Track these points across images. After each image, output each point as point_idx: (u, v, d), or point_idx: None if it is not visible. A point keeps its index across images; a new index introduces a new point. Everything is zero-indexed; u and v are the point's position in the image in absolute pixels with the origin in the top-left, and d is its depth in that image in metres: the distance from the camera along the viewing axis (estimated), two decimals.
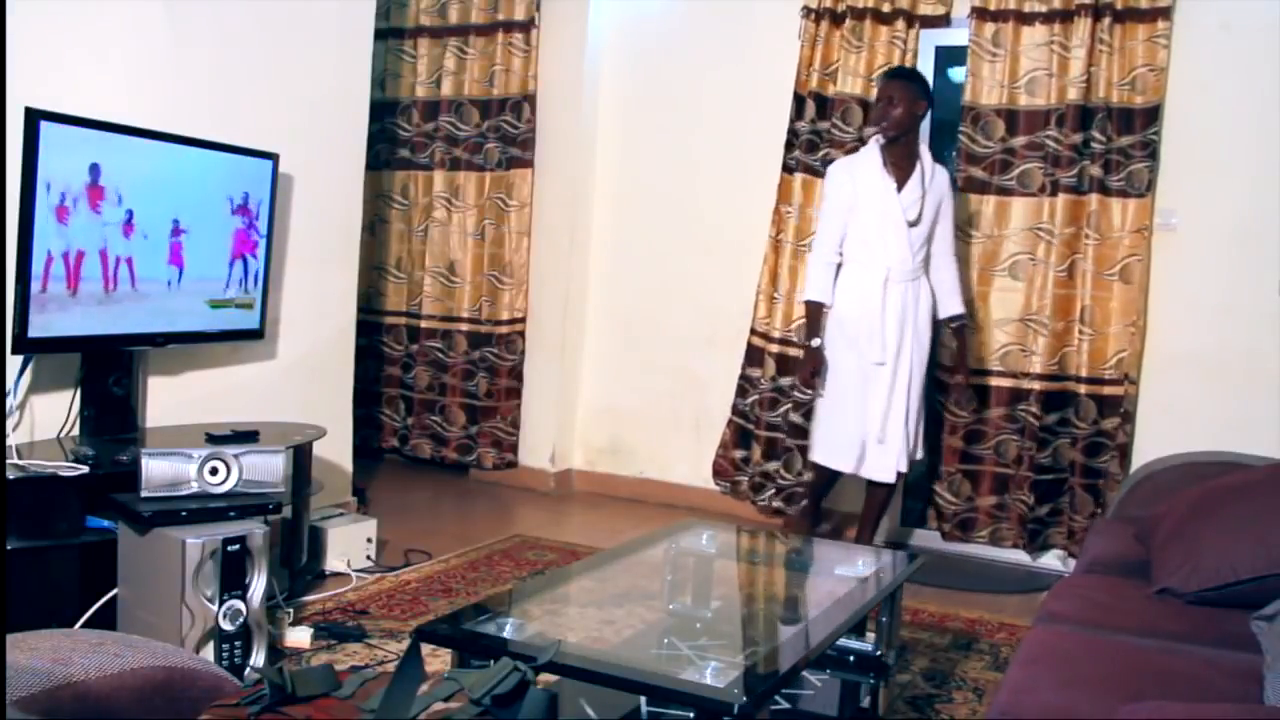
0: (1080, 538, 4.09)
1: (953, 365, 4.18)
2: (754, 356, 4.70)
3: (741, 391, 4.74)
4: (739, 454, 4.76)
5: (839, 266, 3.94)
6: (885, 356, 3.86)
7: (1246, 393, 4.01)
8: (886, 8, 4.42)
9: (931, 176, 3.91)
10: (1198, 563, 2.41)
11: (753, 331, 4.70)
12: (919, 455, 4.04)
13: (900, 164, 3.88)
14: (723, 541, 2.95)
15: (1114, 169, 4.09)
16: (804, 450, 4.48)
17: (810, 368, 3.91)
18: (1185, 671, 1.95)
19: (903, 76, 3.94)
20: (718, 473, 4.82)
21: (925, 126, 4.54)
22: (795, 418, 4.55)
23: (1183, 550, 2.47)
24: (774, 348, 4.64)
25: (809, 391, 4.05)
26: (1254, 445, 3.84)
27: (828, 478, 4.14)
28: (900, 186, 3.86)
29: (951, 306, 4.04)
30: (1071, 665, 1.98)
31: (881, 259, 3.88)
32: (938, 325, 4.09)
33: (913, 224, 3.87)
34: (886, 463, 3.93)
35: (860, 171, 3.90)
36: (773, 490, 4.65)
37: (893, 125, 3.83)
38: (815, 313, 3.95)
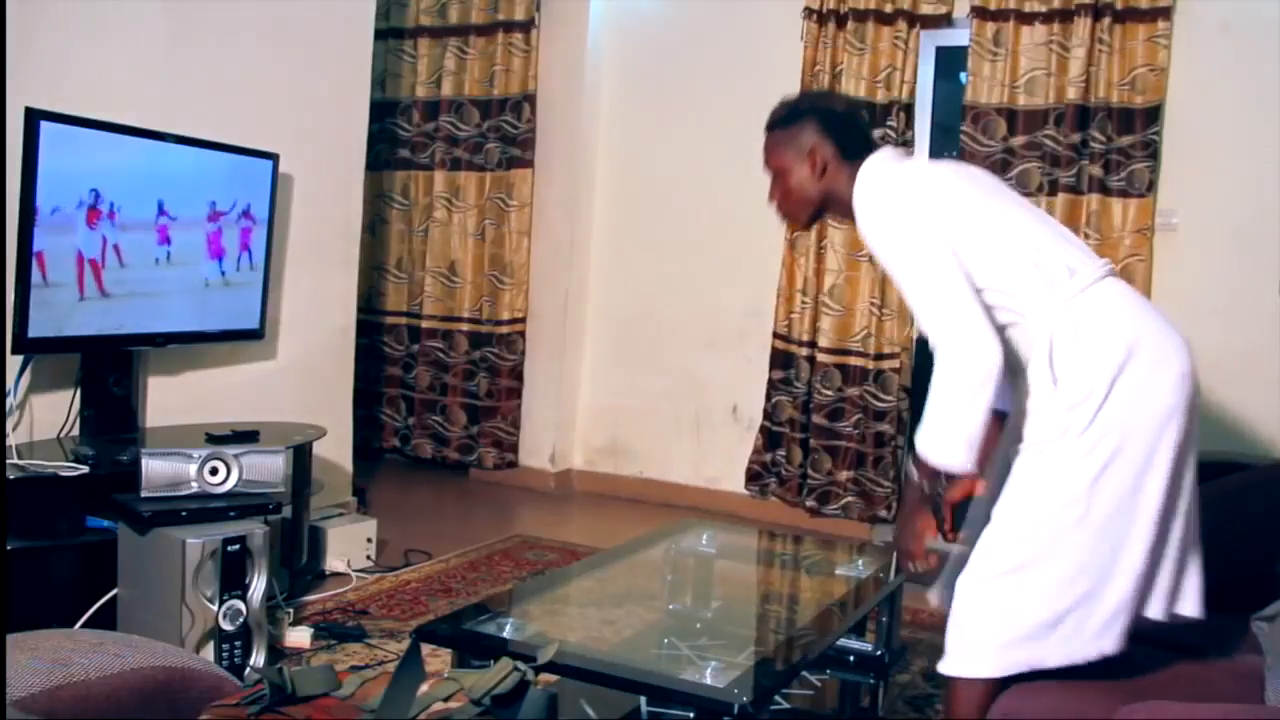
0: None
1: None
2: (777, 360, 4.70)
3: (768, 395, 4.74)
4: (768, 457, 4.75)
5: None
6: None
7: (1246, 393, 4.00)
8: (888, 8, 4.42)
9: None
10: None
11: (774, 335, 4.71)
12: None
13: None
14: (722, 541, 2.95)
15: (1114, 169, 4.09)
16: (830, 450, 4.52)
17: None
18: (1185, 672, 1.95)
19: (770, 127, 2.22)
20: (750, 477, 4.79)
21: (924, 132, 4.55)
22: (818, 419, 4.57)
23: None
24: (802, 350, 4.63)
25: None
26: (1254, 445, 3.85)
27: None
28: None
29: None
30: (1071, 665, 1.98)
31: None
32: None
33: None
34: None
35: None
36: (807, 491, 4.65)
37: (791, 215, 2.23)
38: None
